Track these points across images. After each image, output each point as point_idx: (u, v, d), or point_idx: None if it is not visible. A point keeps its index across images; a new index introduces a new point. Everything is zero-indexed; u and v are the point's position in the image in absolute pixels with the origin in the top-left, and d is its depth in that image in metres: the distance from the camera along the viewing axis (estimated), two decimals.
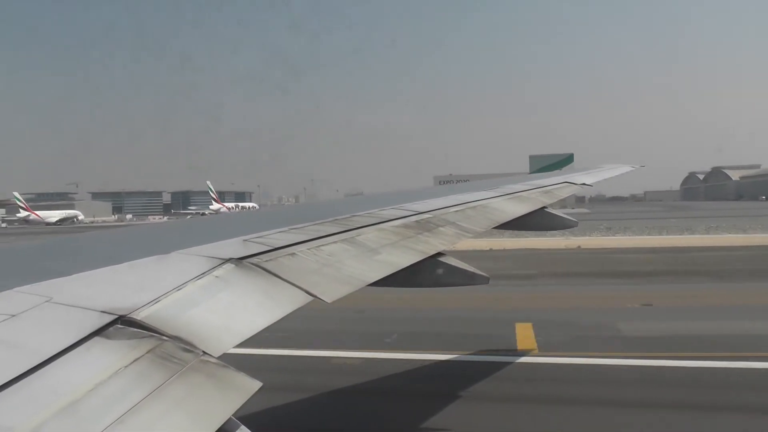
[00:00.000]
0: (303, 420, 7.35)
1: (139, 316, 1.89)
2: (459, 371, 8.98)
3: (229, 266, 2.48)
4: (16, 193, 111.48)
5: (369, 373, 8.93)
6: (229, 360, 1.83)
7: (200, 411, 1.61)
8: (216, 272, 2.39)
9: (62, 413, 1.40)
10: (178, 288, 2.17)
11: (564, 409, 7.36)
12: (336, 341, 10.53)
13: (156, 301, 2.03)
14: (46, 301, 1.89)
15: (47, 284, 2.04)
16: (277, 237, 3.10)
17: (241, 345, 2.01)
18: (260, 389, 1.73)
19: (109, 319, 1.82)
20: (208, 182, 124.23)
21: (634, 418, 6.94)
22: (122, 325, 1.82)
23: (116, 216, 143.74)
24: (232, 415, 1.63)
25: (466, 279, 4.18)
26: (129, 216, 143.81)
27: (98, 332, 1.74)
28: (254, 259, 2.63)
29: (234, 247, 2.77)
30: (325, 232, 3.39)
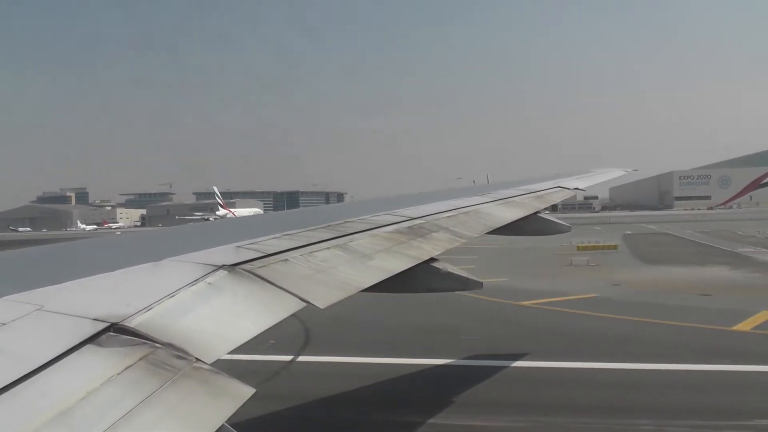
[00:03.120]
0: None
1: (132, 323, 1.89)
2: None
3: (222, 273, 2.48)
4: (215, 188, 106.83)
5: None
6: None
7: (193, 418, 1.60)
8: (209, 279, 2.39)
9: (53, 422, 1.40)
10: (171, 295, 2.17)
11: None
12: None
13: (149, 308, 2.02)
14: (37, 309, 1.88)
15: (38, 292, 2.03)
16: (270, 243, 3.10)
17: None
18: None
19: (101, 326, 1.81)
20: (462, 178, 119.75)
21: None
22: (115, 332, 1.82)
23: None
24: (225, 421, 1.63)
25: (460, 284, 4.19)
26: None
27: (90, 340, 1.74)
28: (247, 266, 2.63)
29: (227, 253, 2.76)
30: (318, 238, 3.39)
